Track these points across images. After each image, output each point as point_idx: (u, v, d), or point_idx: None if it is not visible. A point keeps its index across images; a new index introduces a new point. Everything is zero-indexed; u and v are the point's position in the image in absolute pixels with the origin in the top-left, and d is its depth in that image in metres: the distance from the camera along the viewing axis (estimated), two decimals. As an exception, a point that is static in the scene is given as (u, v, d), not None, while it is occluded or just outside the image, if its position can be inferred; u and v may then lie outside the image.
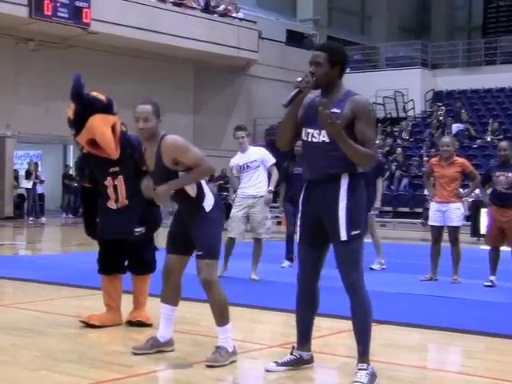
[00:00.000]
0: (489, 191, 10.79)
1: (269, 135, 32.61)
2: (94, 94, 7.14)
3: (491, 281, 10.18)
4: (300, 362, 5.56)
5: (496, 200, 10.13)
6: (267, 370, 5.46)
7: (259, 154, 10.82)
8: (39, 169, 27.75)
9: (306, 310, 5.55)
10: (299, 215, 5.36)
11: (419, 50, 35.62)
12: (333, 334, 7.05)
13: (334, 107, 5.04)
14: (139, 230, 7.08)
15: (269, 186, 10.76)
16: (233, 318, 6.64)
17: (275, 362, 5.52)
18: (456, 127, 29.26)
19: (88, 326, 7.08)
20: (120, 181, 7.04)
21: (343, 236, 5.09)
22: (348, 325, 7.17)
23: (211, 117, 32.09)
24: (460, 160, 10.76)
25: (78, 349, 6.24)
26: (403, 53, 36.96)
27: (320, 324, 7.35)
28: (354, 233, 5.10)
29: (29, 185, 27.00)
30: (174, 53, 29.29)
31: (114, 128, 7.00)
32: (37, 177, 27.19)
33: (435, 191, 10.81)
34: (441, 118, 30.25)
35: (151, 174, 6.03)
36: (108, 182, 7.06)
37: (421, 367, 5.94)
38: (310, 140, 5.19)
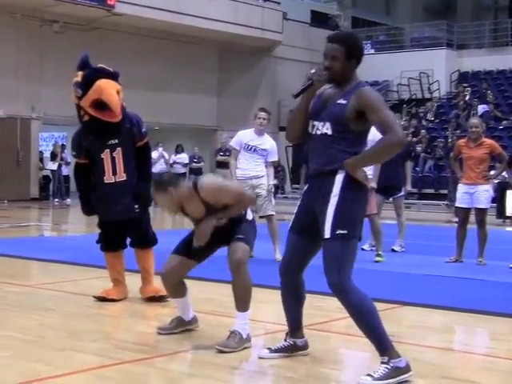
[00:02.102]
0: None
1: (293, 117, 32.58)
2: (101, 65, 7.49)
3: None
4: (294, 348, 5.42)
5: None
6: (260, 357, 5.34)
7: (270, 146, 10.80)
8: (65, 150, 27.85)
9: (290, 300, 5.39)
10: (298, 203, 5.22)
11: (444, 30, 35.34)
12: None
13: (341, 98, 4.88)
14: (137, 206, 7.32)
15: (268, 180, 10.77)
16: (256, 299, 6.65)
17: (268, 349, 5.40)
18: (482, 108, 29.04)
19: (105, 300, 7.26)
20: (119, 153, 7.21)
21: (327, 233, 4.85)
22: (377, 306, 7.20)
23: (235, 98, 32.05)
24: (488, 141, 10.67)
25: (103, 329, 6.29)
26: (428, 33, 36.69)
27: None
28: (339, 232, 4.82)
29: (54, 166, 27.12)
30: (198, 34, 29.24)
31: (118, 93, 7.29)
32: (62, 158, 27.31)
33: (462, 173, 10.74)
34: (466, 98, 30.04)
35: (197, 222, 5.81)
36: (105, 154, 7.19)
37: (445, 349, 5.92)
38: (314, 133, 5.03)
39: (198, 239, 5.68)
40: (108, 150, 7.21)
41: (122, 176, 7.26)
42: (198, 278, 7.70)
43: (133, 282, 7.75)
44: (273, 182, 10.91)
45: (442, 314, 7.21)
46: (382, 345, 4.90)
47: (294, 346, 5.42)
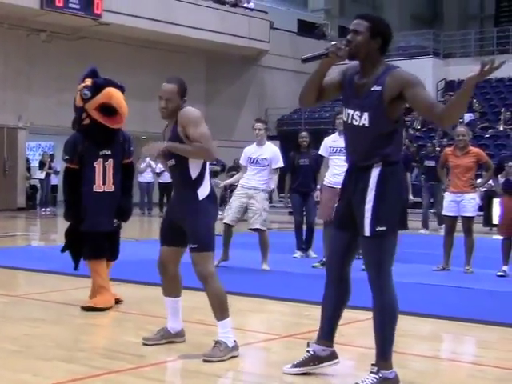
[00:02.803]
0: (501, 181, 10.76)
1: (280, 126, 32.62)
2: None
3: (504, 271, 10.16)
4: (316, 359, 5.15)
5: (509, 189, 10.10)
6: (285, 373, 5.16)
7: (271, 153, 10.87)
8: (54, 160, 27.79)
9: (330, 298, 5.14)
10: (338, 198, 5.09)
11: (431, 39, 35.47)
12: (348, 323, 7.03)
13: (375, 85, 4.70)
14: (116, 220, 7.55)
15: (280, 191, 10.84)
16: (244, 309, 6.65)
17: (291, 364, 5.20)
18: (468, 117, 29.14)
19: (92, 310, 7.28)
20: (110, 164, 7.41)
21: (367, 231, 4.73)
22: (364, 315, 7.21)
23: (223, 107, 32.09)
24: (475, 150, 10.72)
25: (90, 339, 6.27)
26: (415, 42, 36.81)
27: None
28: (379, 229, 4.71)
29: (42, 175, 27.06)
30: (185, 43, 29.30)
31: None
32: (51, 167, 27.24)
33: (449, 181, 10.78)
34: (453, 107, 30.11)
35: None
36: (98, 163, 7.36)
37: (433, 357, 5.93)
38: (349, 122, 4.83)
39: (146, 149, 5.74)
40: (101, 159, 7.39)
41: (110, 187, 7.44)
42: (184, 287, 7.69)
43: (121, 291, 7.74)
44: (273, 186, 10.92)
45: (430, 323, 7.22)
46: (386, 353, 4.86)
47: (314, 356, 5.16)
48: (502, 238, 10.37)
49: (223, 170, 24.60)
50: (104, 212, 7.40)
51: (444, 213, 10.88)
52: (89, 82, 7.49)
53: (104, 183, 7.40)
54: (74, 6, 25.15)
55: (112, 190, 7.45)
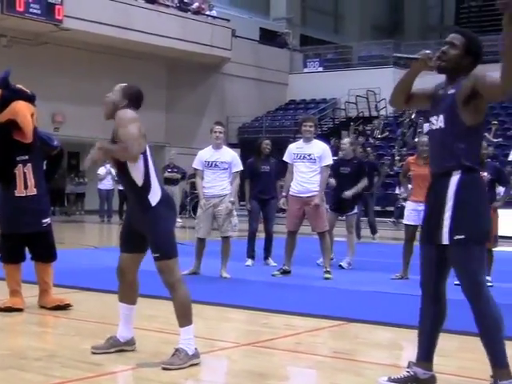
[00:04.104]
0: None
1: (241, 134, 32.66)
2: (20, 86, 7.71)
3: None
4: (415, 380, 4.95)
5: None
6: None
7: (231, 157, 10.81)
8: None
9: (427, 318, 5.01)
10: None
11: (391, 49, 35.72)
12: (308, 331, 7.05)
13: (452, 88, 4.73)
14: (46, 221, 7.64)
15: (231, 195, 10.74)
16: (203, 316, 6.61)
17: (388, 377, 5.03)
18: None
19: (11, 310, 7.45)
20: (29, 169, 7.52)
21: (445, 239, 4.67)
22: (324, 323, 7.24)
23: (184, 114, 32.04)
24: None
25: (47, 347, 6.21)
26: (376, 52, 37.07)
27: (295, 323, 7.38)
28: (457, 237, 4.62)
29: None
30: (147, 50, 29.22)
31: (32, 116, 7.56)
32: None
33: (411, 190, 10.84)
34: (412, 117, 30.38)
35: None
36: (17, 169, 7.49)
37: (392, 365, 5.94)
38: (431, 128, 4.88)
39: (87, 160, 5.73)
40: (20, 165, 7.53)
41: (32, 190, 7.58)
42: (143, 294, 7.65)
43: (79, 299, 7.67)
44: (233, 198, 10.82)
45: (389, 331, 7.24)
46: (498, 361, 4.70)
47: (414, 377, 4.96)
48: None
49: (183, 177, 24.56)
50: (26, 215, 7.50)
51: (405, 221, 10.94)
52: None
53: (26, 187, 7.54)
54: (35, 11, 24.99)
55: (34, 193, 7.58)
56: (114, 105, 5.70)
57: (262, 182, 12.24)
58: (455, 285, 9.83)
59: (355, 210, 12.33)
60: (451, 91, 4.73)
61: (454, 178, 4.67)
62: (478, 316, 4.75)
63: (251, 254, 12.29)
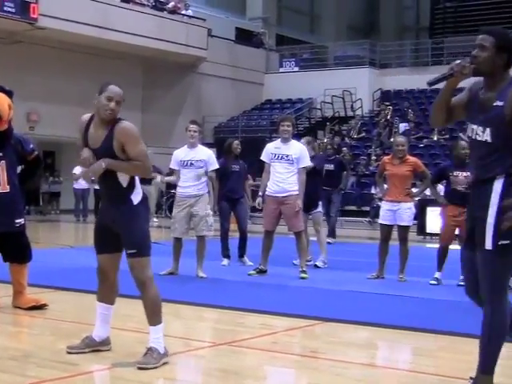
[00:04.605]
0: (440, 190, 10.87)
1: (217, 133, 32.63)
2: None
3: (436, 278, 10.25)
4: None
5: (456, 199, 10.05)
6: None
7: (206, 156, 10.80)
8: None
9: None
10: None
11: (367, 49, 35.85)
12: (284, 331, 7.06)
13: (497, 100, 4.60)
14: (19, 221, 7.54)
15: (209, 194, 10.78)
16: (180, 316, 6.59)
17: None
18: (403, 126, 29.51)
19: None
20: (3, 166, 7.46)
21: (488, 244, 4.57)
22: (300, 322, 7.25)
23: (160, 114, 31.97)
24: (412, 159, 10.83)
25: (22, 347, 6.17)
26: (352, 52, 37.17)
27: (271, 322, 7.39)
28: (501, 242, 4.54)
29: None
30: (122, 49, 29.12)
31: (9, 108, 7.52)
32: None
33: (386, 190, 10.87)
34: (388, 117, 30.50)
35: (92, 150, 5.70)
36: None
37: (368, 364, 5.96)
38: (473, 137, 4.74)
39: (85, 175, 5.83)
40: None
41: (5, 188, 7.49)
42: (119, 294, 7.63)
43: (55, 299, 7.63)
44: (213, 203, 10.88)
45: (365, 330, 7.26)
46: (487, 368, 4.66)
47: None
48: (440, 245, 10.38)
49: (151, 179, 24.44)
50: None
51: (380, 221, 10.97)
52: None
53: None
54: (9, 9, 24.83)
55: (7, 190, 7.48)
56: (118, 112, 5.70)
57: (231, 182, 12.22)
58: (430, 284, 9.88)
59: (319, 209, 12.29)
60: (498, 103, 4.61)
61: (498, 184, 4.62)
62: (487, 319, 4.65)
63: (226, 254, 12.29)
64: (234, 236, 12.73)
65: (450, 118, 4.91)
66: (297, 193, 10.55)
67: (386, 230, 10.81)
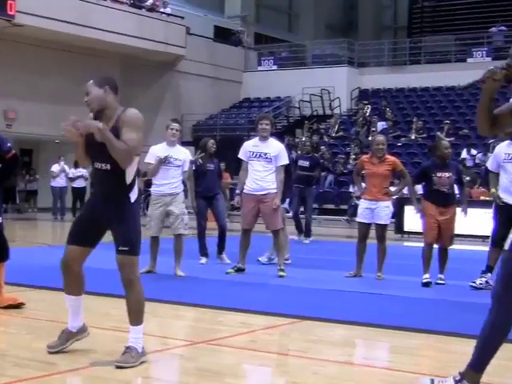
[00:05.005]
0: (417, 189, 10.90)
1: (196, 131, 32.59)
2: None
3: (426, 282, 9.94)
4: None
5: (437, 200, 10.02)
6: None
7: (185, 155, 10.80)
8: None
9: (495, 332, 4.63)
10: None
11: (346, 48, 35.96)
12: (263, 329, 7.06)
13: None
14: None
15: (186, 195, 10.79)
16: (158, 315, 6.57)
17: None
18: (381, 125, 29.60)
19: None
20: None
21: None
22: (279, 321, 7.26)
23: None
24: (391, 158, 10.85)
25: None
26: (330, 51, 37.26)
27: (249, 320, 7.39)
28: None
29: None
30: (101, 47, 29.01)
31: None
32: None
33: (365, 188, 10.88)
34: (366, 115, 30.59)
35: (93, 144, 5.56)
36: None
37: (346, 362, 5.98)
38: None
39: (84, 124, 5.53)
40: None
41: None
42: (97, 293, 7.61)
43: (32, 297, 7.60)
44: (193, 203, 10.90)
45: (344, 328, 7.28)
46: (480, 367, 4.65)
47: None
48: (423, 245, 10.28)
49: (138, 174, 24.37)
50: None
51: (358, 219, 10.98)
52: None
53: None
54: (-15, 6, 24.69)
55: None
56: (101, 101, 5.66)
57: (207, 181, 12.17)
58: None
59: (285, 205, 12.27)
60: None
61: None
62: (495, 319, 4.58)
63: (204, 252, 12.27)
64: (213, 235, 12.70)
65: (497, 126, 4.85)
66: (275, 191, 10.56)
67: (365, 228, 10.83)
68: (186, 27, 32.44)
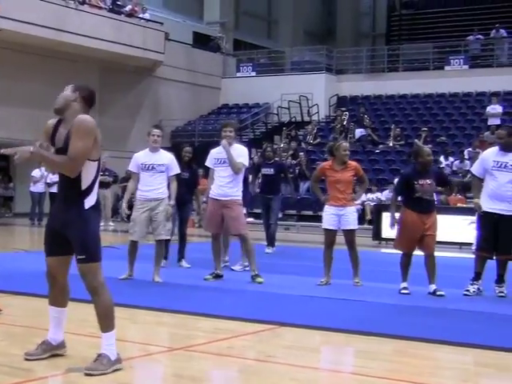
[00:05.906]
0: (388, 195, 10.93)
1: (174, 137, 32.55)
2: None
3: (405, 287, 9.96)
4: None
5: (419, 208, 9.92)
6: None
7: (168, 160, 10.84)
8: None
9: None
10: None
11: (324, 55, 36.03)
12: (239, 336, 7.07)
13: None
14: None
15: (170, 198, 10.76)
16: (136, 321, 6.56)
17: None
18: (359, 132, 29.69)
19: None
20: None
21: None
22: (255, 327, 7.27)
23: (116, 118, 31.76)
24: (353, 163, 10.86)
25: (-25, 352, 6.11)
26: (308, 57, 37.32)
27: (226, 327, 7.40)
28: None
29: None
30: (79, 52, 28.90)
31: None
32: None
33: (328, 195, 10.82)
34: (344, 122, 30.66)
35: (56, 151, 5.58)
36: None
37: (321, 369, 6.00)
38: None
39: (19, 155, 5.35)
40: None
41: None
42: (74, 298, 7.59)
43: (8, 303, 7.57)
44: (172, 202, 10.83)
45: (319, 334, 7.30)
46: None
47: None
48: (401, 253, 10.18)
49: (115, 181, 24.34)
50: None
51: (325, 226, 10.85)
52: None
53: None
54: (-36, 10, 24.56)
55: None
56: (65, 105, 5.66)
57: (178, 189, 12.03)
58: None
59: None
60: None
61: None
62: None
63: (165, 256, 12.25)
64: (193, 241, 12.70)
65: None
66: (238, 198, 10.63)
67: (332, 234, 10.75)
68: (165, 33, 32.40)
